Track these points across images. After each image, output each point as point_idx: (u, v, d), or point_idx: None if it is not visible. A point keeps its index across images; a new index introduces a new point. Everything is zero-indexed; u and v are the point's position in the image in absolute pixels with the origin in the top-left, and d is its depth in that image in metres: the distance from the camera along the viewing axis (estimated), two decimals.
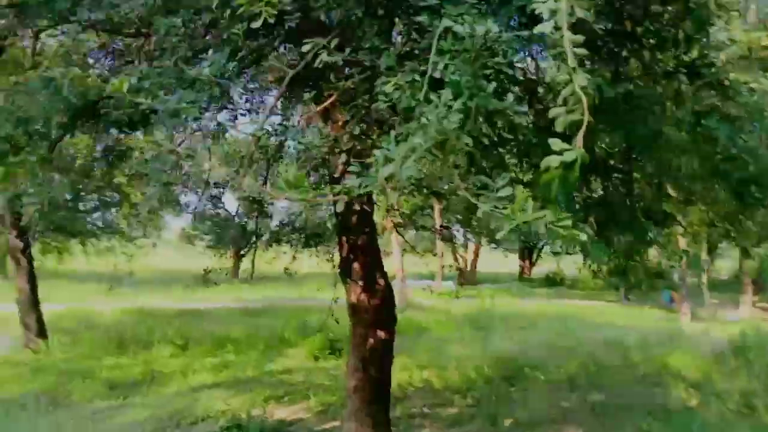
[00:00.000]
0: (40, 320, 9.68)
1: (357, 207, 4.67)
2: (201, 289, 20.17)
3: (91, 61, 5.28)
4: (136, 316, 13.17)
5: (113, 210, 12.09)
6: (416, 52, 1.80)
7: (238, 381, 8.19)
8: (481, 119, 1.17)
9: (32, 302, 9.59)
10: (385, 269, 4.80)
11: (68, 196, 8.31)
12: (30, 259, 9.77)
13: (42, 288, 10.15)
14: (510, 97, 1.21)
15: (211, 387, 7.77)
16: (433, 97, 1.16)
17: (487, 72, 1.24)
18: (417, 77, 1.41)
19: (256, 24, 1.70)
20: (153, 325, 11.86)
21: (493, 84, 1.17)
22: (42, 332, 9.64)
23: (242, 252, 26.73)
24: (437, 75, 1.24)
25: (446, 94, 1.13)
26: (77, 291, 17.82)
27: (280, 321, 13.01)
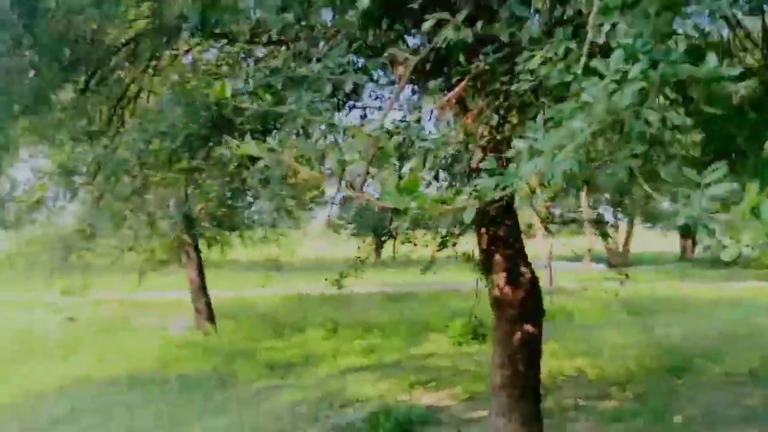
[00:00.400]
0: (208, 306, 10.73)
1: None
2: (352, 274, 21.14)
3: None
4: (292, 302, 14.09)
5: (265, 205, 12.99)
6: (566, 17, 1.53)
7: (385, 365, 8.37)
8: (669, 91, 0.93)
9: (201, 290, 10.65)
10: (528, 253, 4.50)
11: (226, 194, 9.04)
12: (198, 252, 10.85)
13: (209, 277, 11.22)
14: (711, 59, 0.92)
15: (359, 370, 8.03)
16: (597, 65, 0.92)
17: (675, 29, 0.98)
18: (572, 45, 1.17)
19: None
20: (306, 310, 12.62)
21: (683, 44, 0.91)
22: (211, 316, 10.68)
23: (383, 239, 27.36)
24: (600, 40, 1.01)
25: (615, 61, 0.90)
26: (239, 279, 19.56)
27: (422, 306, 13.14)
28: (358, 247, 10.06)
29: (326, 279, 8.24)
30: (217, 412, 6.34)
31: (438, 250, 5.53)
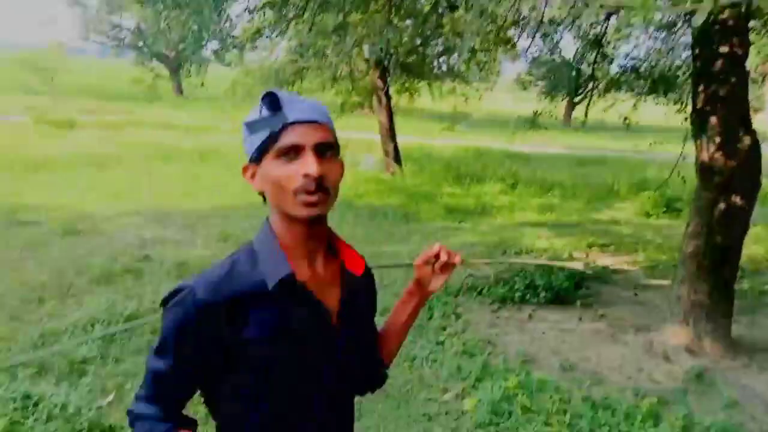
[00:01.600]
0: (395, 149, 11.35)
1: (725, 48, 3.81)
2: (534, 133, 20.50)
3: None
4: (472, 154, 14.25)
5: (455, 55, 12.77)
6: None
7: (562, 224, 8.33)
8: None
9: (390, 134, 11.23)
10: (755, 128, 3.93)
11: (417, 42, 9.02)
12: (389, 98, 11.27)
13: (397, 123, 11.72)
14: None
15: (534, 225, 8.11)
16: None
17: None
18: None
19: None
20: (486, 163, 12.72)
21: None
22: (397, 159, 11.33)
23: (576, 99, 25.61)
24: None
25: None
26: (424, 127, 20.11)
27: (611, 172, 12.40)
28: (547, 104, 9.63)
29: (513, 131, 8.13)
30: (401, 240, 7.01)
31: (644, 98, 5.05)
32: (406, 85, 12.91)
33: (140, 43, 32.54)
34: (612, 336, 4.41)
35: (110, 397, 3.23)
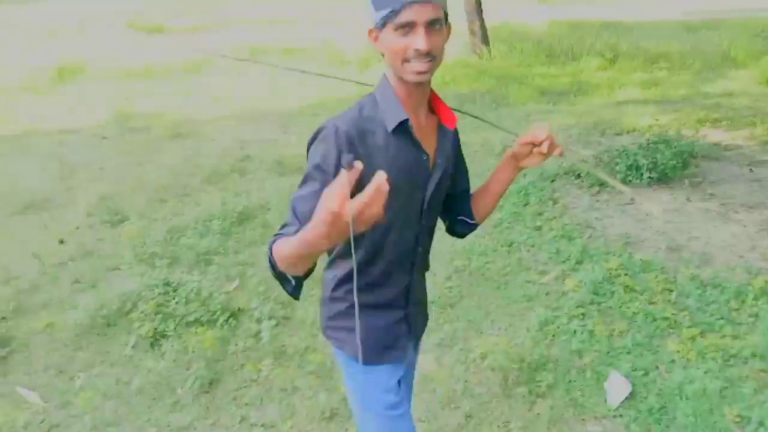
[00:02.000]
0: (483, 29, 10.72)
1: None
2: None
3: None
4: (566, 28, 13.17)
5: None
6: None
7: (669, 100, 7.71)
8: None
9: (477, 12, 10.56)
10: None
11: None
12: None
13: (484, 1, 10.95)
14: None
15: (637, 103, 7.57)
16: None
17: None
18: None
19: None
20: (582, 37, 11.74)
21: None
22: (485, 39, 10.73)
23: None
24: None
25: None
26: (513, 4, 18.69)
27: (727, 36, 11.07)
28: None
29: None
30: (490, 127, 6.84)
31: None
32: None
33: None
34: (723, 215, 4.20)
35: (235, 283, 3.61)
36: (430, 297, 3.27)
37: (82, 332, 3.15)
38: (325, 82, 9.45)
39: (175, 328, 3.08)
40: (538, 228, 4.10)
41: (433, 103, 1.38)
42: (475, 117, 1.62)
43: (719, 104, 7.23)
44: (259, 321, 3.15)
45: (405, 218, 1.36)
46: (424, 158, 1.33)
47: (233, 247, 4.09)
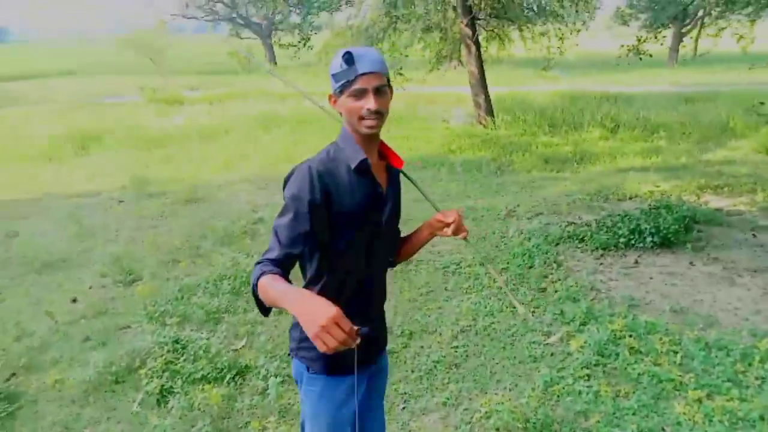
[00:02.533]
0: (487, 100, 11.15)
1: None
2: (635, 72, 19.17)
3: None
4: (568, 99, 13.65)
5: None
6: None
7: (669, 167, 7.89)
8: None
9: (481, 84, 11.02)
10: None
11: None
12: (478, 46, 11.02)
13: (487, 73, 11.46)
14: None
15: (639, 170, 7.75)
16: None
17: None
18: None
19: None
20: (583, 108, 12.16)
21: None
22: (489, 110, 11.14)
23: (683, 30, 23.56)
24: None
25: None
26: (515, 76, 19.46)
27: (723, 108, 11.42)
28: (621, 46, 9.00)
29: (616, 61, 7.59)
30: (495, 193, 7.02)
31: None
32: (496, 31, 12.52)
33: (233, 14, 33.80)
34: (727, 279, 4.24)
35: (243, 342, 3.66)
36: (434, 357, 3.32)
37: (90, 389, 3.18)
38: None
39: (182, 385, 3.10)
40: (543, 290, 4.16)
41: (383, 149, 1.69)
42: (411, 181, 1.88)
43: (720, 172, 7.39)
44: (265, 378, 3.17)
45: (366, 241, 1.62)
46: (380, 190, 1.63)
47: (243, 306, 4.16)
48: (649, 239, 4.82)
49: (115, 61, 32.90)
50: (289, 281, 1.40)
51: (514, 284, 4.25)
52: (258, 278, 1.39)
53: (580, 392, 2.88)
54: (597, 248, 4.89)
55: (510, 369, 3.18)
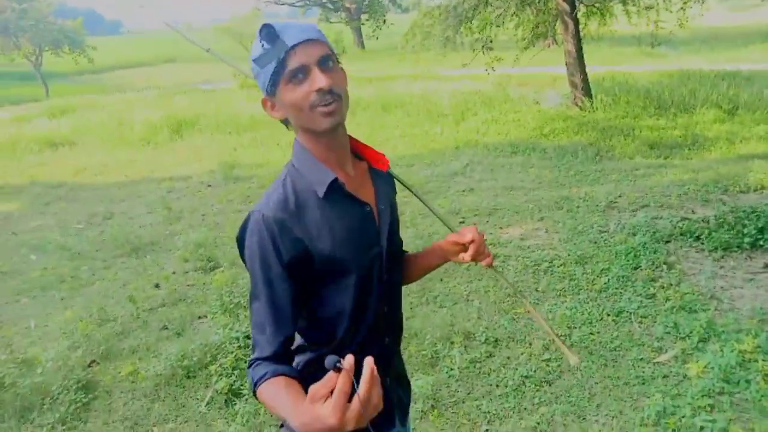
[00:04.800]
0: (585, 80, 10.32)
1: None
2: (756, 47, 17.19)
3: None
4: (677, 79, 12.42)
5: None
6: None
7: None
8: None
9: (579, 63, 10.20)
10: None
11: None
12: (576, 23, 10.19)
13: (586, 52, 10.60)
14: None
15: (764, 158, 6.78)
16: None
17: None
18: None
19: None
20: (695, 88, 10.98)
21: None
22: (587, 91, 10.32)
23: None
24: None
25: None
26: (617, 54, 18.07)
27: None
28: None
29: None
30: (593, 181, 6.40)
31: None
32: (597, 5, 11.55)
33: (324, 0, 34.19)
34: None
35: None
36: (523, 371, 2.95)
37: (162, 383, 3.12)
38: (426, 132, 9.46)
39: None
40: (652, 296, 3.63)
41: (358, 149, 1.28)
42: (409, 189, 1.41)
43: None
44: None
45: (367, 282, 1.22)
46: (368, 210, 1.22)
47: None
48: None
49: (214, 47, 34.32)
50: (292, 374, 1.09)
51: (616, 289, 3.75)
52: (255, 389, 1.09)
53: (701, 428, 2.41)
54: (716, 248, 4.24)
55: (613, 391, 2.75)
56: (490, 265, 1.33)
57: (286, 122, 1.18)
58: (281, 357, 1.11)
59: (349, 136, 1.24)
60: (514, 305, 3.71)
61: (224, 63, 1.53)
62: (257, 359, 1.11)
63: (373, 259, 1.22)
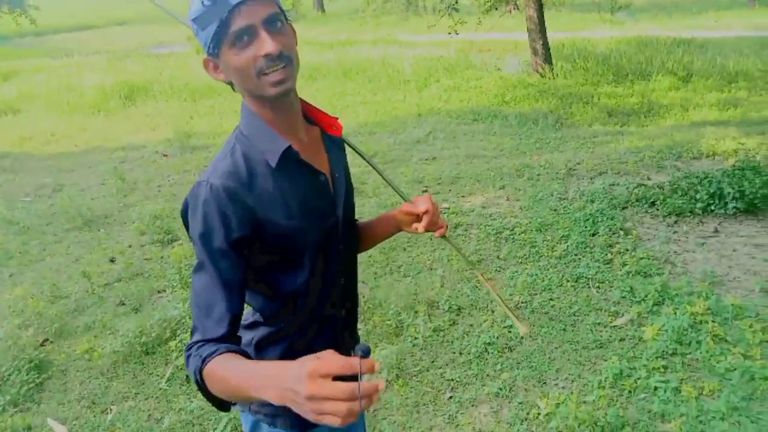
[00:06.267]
0: (546, 47, 10.33)
1: None
2: (709, 15, 17.52)
3: None
4: (634, 45, 12.57)
5: None
6: None
7: (752, 122, 7.08)
8: None
9: (540, 30, 10.19)
10: None
11: None
12: None
13: (546, 17, 10.58)
14: None
15: (716, 125, 6.99)
16: None
17: None
18: None
19: None
20: (651, 55, 11.14)
21: None
22: (548, 58, 10.34)
23: None
24: None
25: None
26: (577, 20, 18.14)
27: None
28: None
29: None
30: (553, 148, 6.47)
31: None
32: None
33: None
34: None
35: None
36: (485, 338, 2.99)
37: (120, 360, 3.04)
38: (387, 99, 9.34)
39: None
40: (609, 262, 3.72)
41: (310, 114, 1.20)
42: (363, 157, 1.36)
43: None
44: None
45: (324, 254, 1.16)
46: (322, 179, 1.15)
47: None
48: (731, 205, 4.25)
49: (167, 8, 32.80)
50: (244, 353, 0.98)
51: (575, 255, 3.82)
52: (200, 371, 0.94)
53: (656, 388, 2.50)
54: (670, 214, 4.36)
55: (572, 356, 2.82)
56: (443, 236, 1.30)
57: (231, 84, 1.10)
58: (230, 339, 1.01)
59: (301, 100, 1.16)
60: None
61: (174, 19, 1.42)
62: (201, 341, 0.98)
63: (330, 230, 1.17)
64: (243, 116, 1.12)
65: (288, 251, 1.11)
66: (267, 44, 0.98)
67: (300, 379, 0.71)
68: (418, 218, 1.28)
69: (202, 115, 9.63)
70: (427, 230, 1.27)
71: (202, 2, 0.98)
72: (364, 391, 0.70)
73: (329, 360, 0.72)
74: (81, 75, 13.64)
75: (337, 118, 1.23)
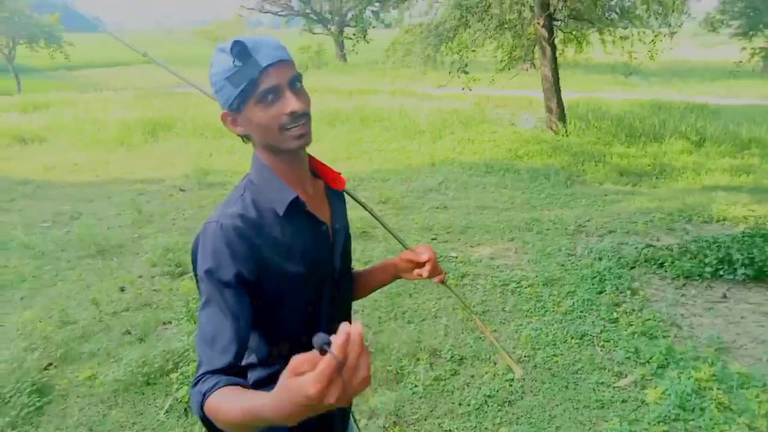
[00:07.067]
0: (560, 105, 10.56)
1: None
2: (722, 82, 17.84)
3: None
4: (648, 108, 12.79)
5: None
6: None
7: (764, 188, 7.12)
8: None
9: (554, 88, 10.44)
10: None
11: None
12: (554, 48, 10.44)
13: (561, 77, 10.86)
14: None
15: (727, 190, 7.02)
16: None
17: None
18: None
19: None
20: (664, 118, 11.33)
21: None
22: (561, 116, 10.55)
23: None
24: None
25: None
26: (591, 81, 18.55)
27: None
28: (743, 48, 8.10)
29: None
30: (564, 204, 6.53)
31: None
32: (574, 33, 11.86)
33: (307, 10, 34.28)
34: None
35: None
36: (486, 390, 2.97)
37: (121, 389, 3.05)
38: (402, 148, 9.52)
39: None
40: (615, 321, 3.71)
41: (316, 168, 1.28)
42: (368, 209, 1.44)
43: None
44: None
45: (318, 301, 1.22)
46: (324, 229, 1.22)
47: None
48: (740, 271, 4.25)
49: (192, 51, 34.03)
50: (244, 385, 0.99)
51: (581, 312, 3.82)
52: (201, 407, 0.95)
53: None
54: (678, 276, 4.36)
55: (572, 414, 2.79)
56: (442, 282, 1.37)
57: (244, 137, 1.18)
58: (235, 369, 1.02)
59: (308, 155, 1.25)
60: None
61: (165, 69, 1.52)
62: (206, 373, 1.00)
63: (325, 278, 1.22)
64: (254, 167, 1.19)
65: (285, 295, 1.15)
66: (292, 103, 1.08)
67: (302, 389, 0.71)
68: (418, 266, 1.36)
69: (220, 153, 9.86)
70: (428, 277, 1.35)
71: (233, 63, 1.06)
72: (350, 363, 0.71)
73: (295, 360, 0.73)
74: (107, 109, 14.09)
75: (340, 173, 1.31)
